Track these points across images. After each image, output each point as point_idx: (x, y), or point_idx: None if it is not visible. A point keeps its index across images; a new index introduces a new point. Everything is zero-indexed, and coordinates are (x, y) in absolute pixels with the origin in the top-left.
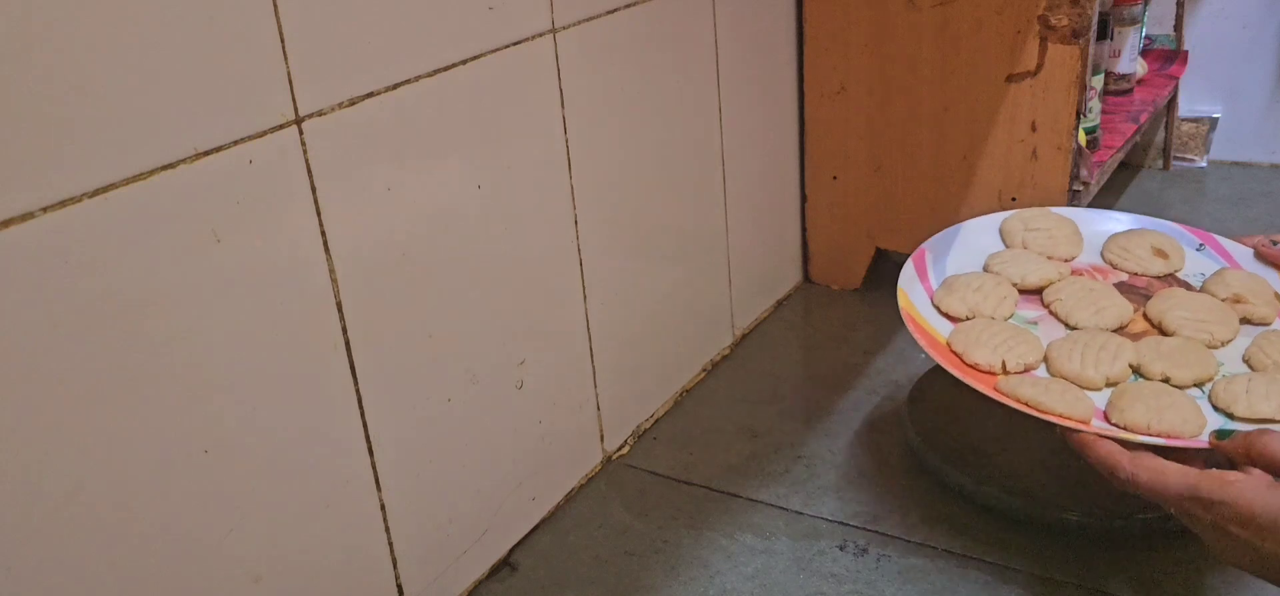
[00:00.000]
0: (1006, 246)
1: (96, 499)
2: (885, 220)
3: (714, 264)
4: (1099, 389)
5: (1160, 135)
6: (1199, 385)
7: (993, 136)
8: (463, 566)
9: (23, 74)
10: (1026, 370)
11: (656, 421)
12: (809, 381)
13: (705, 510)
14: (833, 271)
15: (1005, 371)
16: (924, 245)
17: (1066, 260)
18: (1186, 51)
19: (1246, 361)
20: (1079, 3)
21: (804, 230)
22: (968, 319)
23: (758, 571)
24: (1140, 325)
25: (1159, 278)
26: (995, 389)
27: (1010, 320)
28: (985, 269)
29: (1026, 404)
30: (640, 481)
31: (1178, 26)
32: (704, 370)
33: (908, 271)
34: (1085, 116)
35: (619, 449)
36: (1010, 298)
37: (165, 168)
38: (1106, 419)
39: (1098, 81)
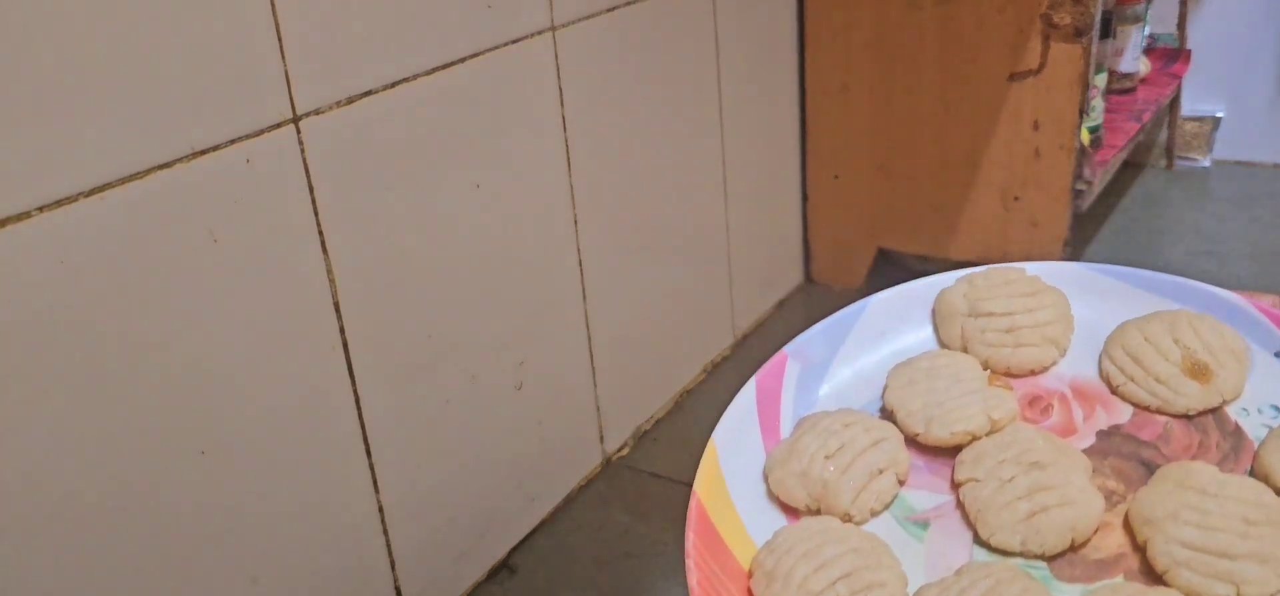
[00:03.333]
0: (940, 341)
1: (94, 499)
2: (888, 219)
3: (714, 264)
4: None
5: (1163, 134)
6: None
7: (995, 135)
8: (461, 568)
9: (19, 73)
10: None
11: (657, 422)
12: None
13: None
14: (834, 271)
15: None
16: (802, 339)
17: (1035, 373)
18: (1189, 50)
19: None
20: (1082, 1)
21: (805, 230)
22: (811, 512)
23: None
24: (1115, 540)
25: (1187, 418)
26: None
27: (885, 513)
28: (883, 395)
29: None
30: (640, 483)
31: (1181, 25)
32: (704, 371)
33: (741, 404)
34: (1088, 115)
35: (619, 450)
36: (894, 466)
37: (162, 167)
38: None
39: (1100, 80)
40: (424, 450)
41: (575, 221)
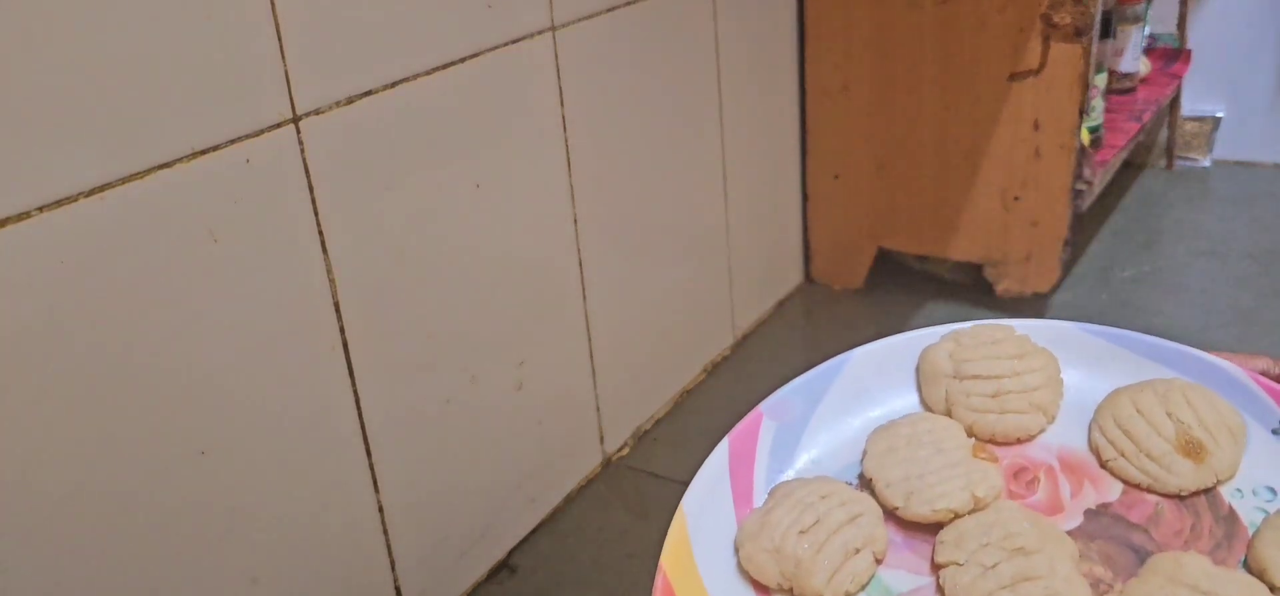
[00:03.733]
0: (924, 403)
1: (94, 499)
2: (888, 219)
3: (714, 264)
4: None
5: (1164, 134)
6: None
7: (995, 135)
8: (461, 568)
9: (19, 73)
10: None
11: (656, 422)
12: None
13: None
14: (834, 271)
15: None
16: (778, 396)
17: (1022, 441)
18: (1189, 50)
19: None
20: (1082, 1)
21: (805, 229)
22: (783, 591)
23: None
24: None
25: (1180, 498)
26: None
27: (860, 595)
28: (862, 462)
29: None
30: (640, 482)
31: (1181, 25)
32: (704, 371)
33: (712, 468)
34: (1088, 115)
35: (619, 450)
36: (871, 544)
37: (162, 167)
38: None
39: (1100, 80)
40: (424, 450)
41: (575, 221)
